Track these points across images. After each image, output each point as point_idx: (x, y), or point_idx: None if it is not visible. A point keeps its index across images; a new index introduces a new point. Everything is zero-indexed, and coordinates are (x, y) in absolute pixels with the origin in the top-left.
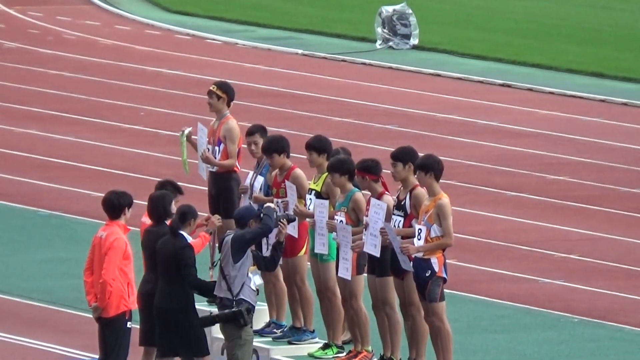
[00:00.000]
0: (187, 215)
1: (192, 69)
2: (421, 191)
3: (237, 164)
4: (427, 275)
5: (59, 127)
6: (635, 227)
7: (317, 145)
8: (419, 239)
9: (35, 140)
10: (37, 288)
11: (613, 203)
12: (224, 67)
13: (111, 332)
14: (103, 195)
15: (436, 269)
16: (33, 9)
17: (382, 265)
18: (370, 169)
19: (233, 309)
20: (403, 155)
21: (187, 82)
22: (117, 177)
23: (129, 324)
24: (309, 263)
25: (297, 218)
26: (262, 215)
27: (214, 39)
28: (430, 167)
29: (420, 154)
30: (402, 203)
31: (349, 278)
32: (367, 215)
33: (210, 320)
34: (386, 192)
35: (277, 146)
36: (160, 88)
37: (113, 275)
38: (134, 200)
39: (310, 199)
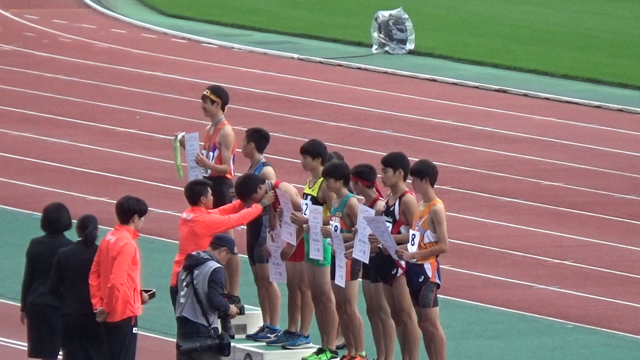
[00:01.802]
0: (88, 223)
1: (187, 72)
2: (410, 198)
3: (231, 170)
4: (420, 280)
5: (54, 130)
6: (629, 234)
7: (312, 150)
8: (412, 245)
9: (30, 143)
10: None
11: (607, 209)
12: (220, 71)
13: (117, 338)
14: (98, 199)
15: (429, 274)
16: (29, 12)
17: (376, 271)
18: (364, 174)
19: (217, 341)
20: (393, 161)
21: (182, 85)
22: (112, 181)
23: (135, 330)
24: None
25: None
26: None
27: (210, 43)
28: (425, 173)
29: (415, 159)
30: (392, 209)
31: (344, 285)
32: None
33: (194, 349)
34: (380, 198)
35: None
36: (156, 92)
37: (122, 280)
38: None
39: (306, 204)
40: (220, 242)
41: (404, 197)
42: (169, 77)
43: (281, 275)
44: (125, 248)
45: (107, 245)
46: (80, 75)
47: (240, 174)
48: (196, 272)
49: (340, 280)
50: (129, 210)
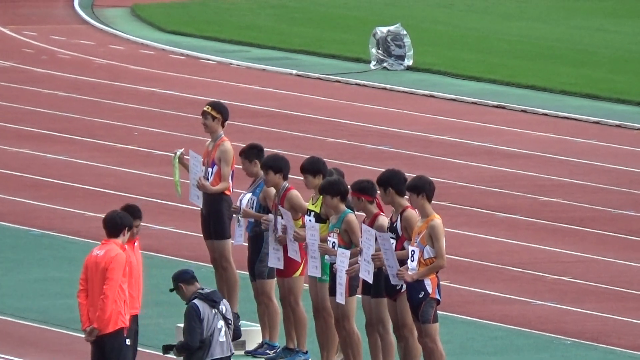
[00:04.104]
0: None
1: (186, 88)
2: (411, 213)
3: (230, 186)
4: (420, 296)
5: (52, 146)
6: (627, 250)
7: (311, 168)
8: (412, 261)
9: (28, 159)
10: (30, 307)
11: (606, 225)
12: (218, 87)
13: (112, 349)
14: (96, 215)
15: (429, 290)
16: (27, 28)
17: (377, 285)
18: (365, 190)
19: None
20: (382, 180)
21: (180, 102)
22: (110, 197)
23: (127, 341)
24: (306, 284)
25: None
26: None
27: (208, 59)
28: (422, 189)
29: (413, 175)
30: (394, 225)
31: (343, 303)
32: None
33: (170, 347)
34: (381, 213)
35: (274, 164)
36: (154, 108)
37: (115, 290)
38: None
39: (310, 220)
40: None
41: (405, 213)
42: (168, 93)
43: (279, 261)
44: (116, 258)
45: (95, 259)
46: (78, 92)
47: (240, 191)
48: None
49: (340, 298)
50: (122, 224)
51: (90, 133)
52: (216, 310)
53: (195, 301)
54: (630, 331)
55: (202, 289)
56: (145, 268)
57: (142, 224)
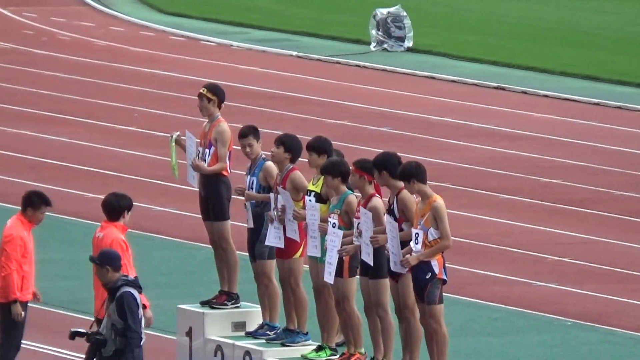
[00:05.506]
0: None
1: (186, 70)
2: (407, 194)
3: (227, 167)
4: (427, 277)
5: (53, 128)
6: (628, 231)
7: (317, 146)
8: (416, 243)
9: (29, 140)
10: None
11: (606, 206)
12: (219, 69)
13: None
14: (96, 196)
15: (436, 270)
16: (27, 10)
17: (376, 267)
18: (369, 169)
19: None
20: (376, 163)
21: (181, 83)
22: (111, 178)
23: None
24: (306, 265)
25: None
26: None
27: (208, 41)
28: (410, 174)
29: (414, 157)
30: (392, 207)
31: (332, 282)
32: (359, 219)
33: (81, 334)
34: (376, 195)
35: (287, 140)
36: (155, 89)
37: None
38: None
39: (310, 200)
40: None
41: (400, 195)
42: (168, 75)
43: (280, 240)
44: (113, 244)
45: (96, 241)
46: (79, 73)
47: (238, 172)
48: None
49: (328, 277)
50: (120, 207)
51: (91, 114)
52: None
53: (129, 289)
54: (631, 312)
55: (126, 275)
56: (145, 249)
57: (137, 204)
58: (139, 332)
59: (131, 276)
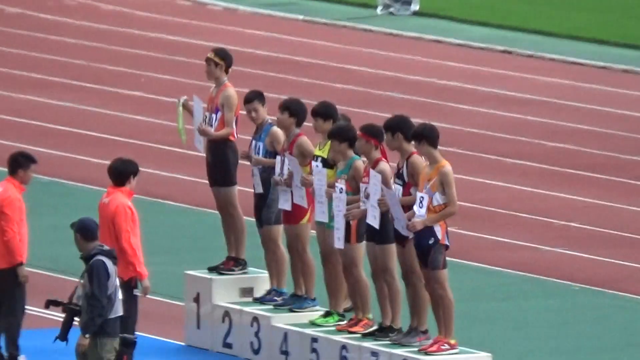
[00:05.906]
0: None
1: (192, 35)
2: (417, 158)
3: (234, 132)
4: (430, 242)
5: (61, 94)
6: (637, 196)
7: (323, 112)
8: (420, 207)
9: (38, 107)
10: (41, 255)
11: (615, 171)
12: (225, 33)
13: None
14: (104, 162)
15: (439, 236)
16: None
17: (383, 232)
18: (376, 134)
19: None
20: (390, 125)
21: (187, 48)
22: (120, 145)
23: (135, 291)
24: (313, 231)
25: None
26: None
27: (214, 5)
28: (422, 136)
29: (421, 121)
30: (401, 172)
31: (342, 247)
32: (367, 184)
33: (56, 303)
34: (383, 159)
35: (291, 105)
36: (161, 54)
37: (128, 240)
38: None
39: (317, 165)
40: None
41: (411, 159)
42: (174, 40)
43: (287, 202)
44: (118, 209)
45: (102, 207)
46: (85, 38)
47: (245, 137)
48: None
49: (338, 243)
50: (125, 172)
51: (99, 80)
52: (115, 267)
53: (101, 257)
54: None
55: (102, 245)
56: (154, 215)
57: (145, 170)
58: (101, 301)
59: (126, 244)
